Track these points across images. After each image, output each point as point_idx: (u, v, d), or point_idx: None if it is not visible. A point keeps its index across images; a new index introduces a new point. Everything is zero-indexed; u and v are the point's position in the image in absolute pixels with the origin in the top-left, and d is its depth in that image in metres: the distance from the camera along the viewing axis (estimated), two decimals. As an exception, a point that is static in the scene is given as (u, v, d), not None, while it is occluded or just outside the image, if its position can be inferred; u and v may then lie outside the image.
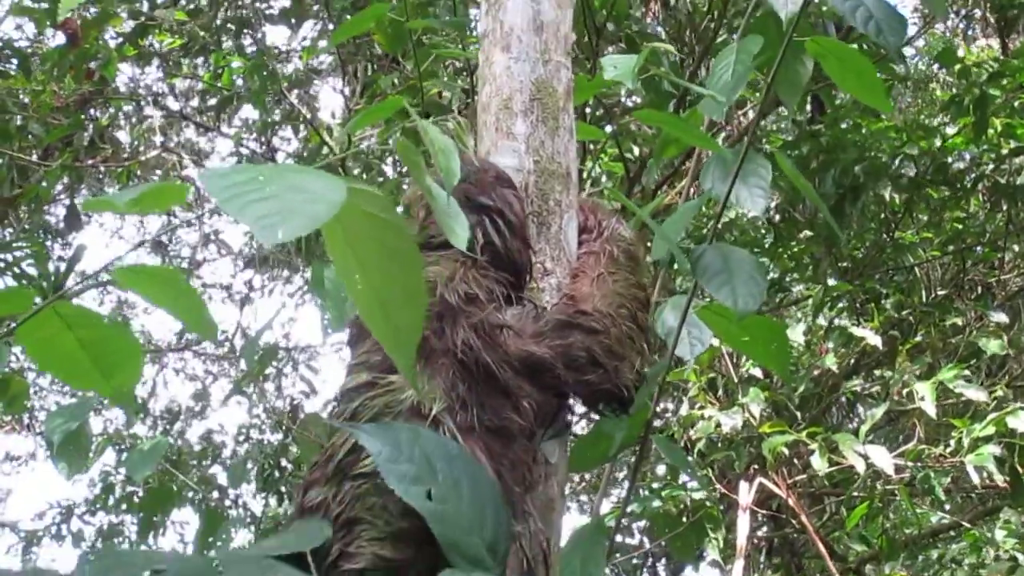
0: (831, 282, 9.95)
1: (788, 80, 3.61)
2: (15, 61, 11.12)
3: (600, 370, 3.05)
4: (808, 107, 10.99)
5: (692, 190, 5.15)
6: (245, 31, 11.14)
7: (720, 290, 3.09)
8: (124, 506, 13.96)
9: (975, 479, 8.03)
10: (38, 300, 2.23)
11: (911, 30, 12.36)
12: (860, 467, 7.75)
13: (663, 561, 13.24)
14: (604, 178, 10.25)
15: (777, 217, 10.65)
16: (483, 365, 2.83)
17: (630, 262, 3.40)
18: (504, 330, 2.94)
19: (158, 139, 11.85)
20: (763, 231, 11.04)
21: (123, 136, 12.50)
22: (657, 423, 9.97)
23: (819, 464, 7.91)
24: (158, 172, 12.34)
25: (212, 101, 11.59)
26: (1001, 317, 9.44)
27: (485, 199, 3.17)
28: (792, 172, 3.47)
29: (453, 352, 2.82)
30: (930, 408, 8.08)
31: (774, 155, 3.51)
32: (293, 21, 11.18)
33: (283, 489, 14.18)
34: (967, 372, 8.39)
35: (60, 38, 10.34)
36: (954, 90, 10.36)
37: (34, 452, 17.85)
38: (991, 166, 9.76)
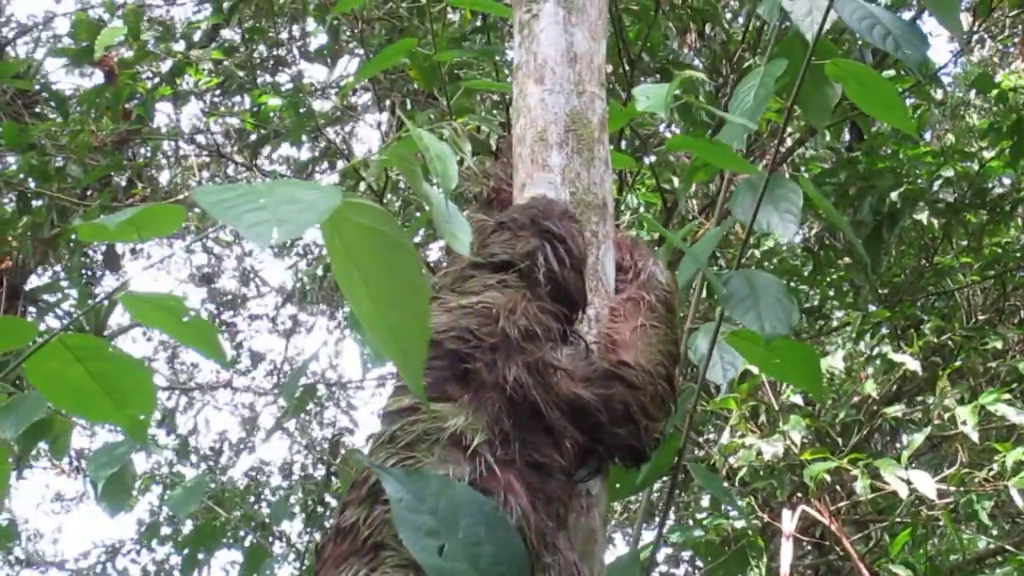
0: (871, 309, 9.90)
1: (816, 103, 3.62)
2: (53, 104, 11.22)
3: (632, 426, 3.04)
4: (846, 135, 10.97)
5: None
6: (281, 68, 11.20)
7: (746, 315, 3.12)
8: (169, 544, 14.01)
9: (1020, 503, 7.96)
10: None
11: (946, 57, 12.31)
12: (903, 492, 7.69)
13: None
14: (642, 208, 10.22)
15: (816, 246, 10.62)
16: (531, 403, 2.82)
17: (668, 313, 3.39)
18: (557, 371, 2.93)
19: (196, 178, 11.89)
20: (802, 259, 11.01)
21: (162, 176, 12.58)
22: (698, 453, 9.99)
23: (862, 489, 7.86)
24: (196, 210, 12.38)
25: (251, 139, 11.63)
26: (1044, 340, 9.36)
27: (551, 224, 3.17)
28: (816, 196, 3.47)
29: (503, 387, 2.80)
30: (972, 432, 8.02)
31: (798, 179, 3.50)
32: (329, 60, 11.22)
33: (327, 524, 14.15)
34: (1008, 396, 8.31)
35: (98, 78, 10.44)
36: (992, 117, 10.32)
37: (84, 492, 17.91)
38: (1031, 191, 9.71)
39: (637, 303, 3.36)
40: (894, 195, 9.19)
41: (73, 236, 10.07)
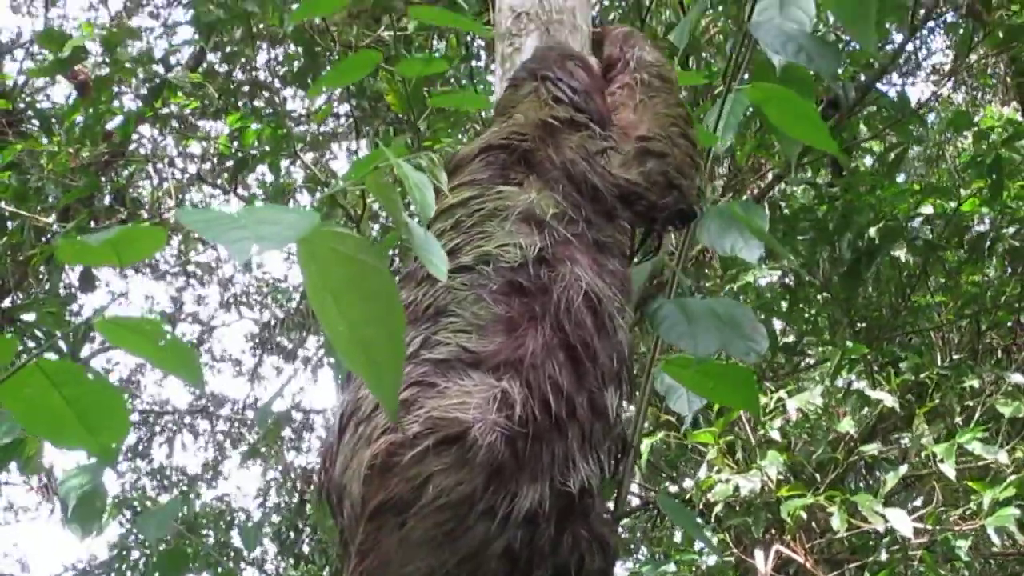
0: (849, 345, 9.89)
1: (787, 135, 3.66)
2: (36, 123, 11.18)
3: (675, 192, 3.21)
4: (827, 170, 11.01)
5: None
6: (261, 92, 11.15)
7: (681, 340, 3.18)
8: (141, 569, 13.91)
9: (996, 541, 7.93)
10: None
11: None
12: (880, 527, 7.67)
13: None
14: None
15: (793, 282, 10.61)
16: (591, 184, 3.02)
17: (664, 83, 3.56)
18: (603, 155, 3.13)
19: (173, 201, 11.82)
20: (779, 295, 11.00)
21: (144, 196, 12.51)
22: (673, 489, 9.95)
23: (838, 524, 7.84)
24: (177, 234, 12.36)
25: (229, 164, 11.60)
26: (1019, 379, 9.30)
27: (546, 71, 3.39)
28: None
29: (563, 166, 3.01)
30: (949, 470, 8.00)
31: (732, 204, 3.62)
32: (310, 80, 11.18)
33: (304, 551, 14.10)
34: (984, 434, 8.29)
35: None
36: (971, 152, 10.37)
37: (53, 509, 17.78)
38: (1012, 230, 9.72)
39: (632, 87, 3.52)
40: (872, 231, 9.22)
41: (50, 258, 10.00)
